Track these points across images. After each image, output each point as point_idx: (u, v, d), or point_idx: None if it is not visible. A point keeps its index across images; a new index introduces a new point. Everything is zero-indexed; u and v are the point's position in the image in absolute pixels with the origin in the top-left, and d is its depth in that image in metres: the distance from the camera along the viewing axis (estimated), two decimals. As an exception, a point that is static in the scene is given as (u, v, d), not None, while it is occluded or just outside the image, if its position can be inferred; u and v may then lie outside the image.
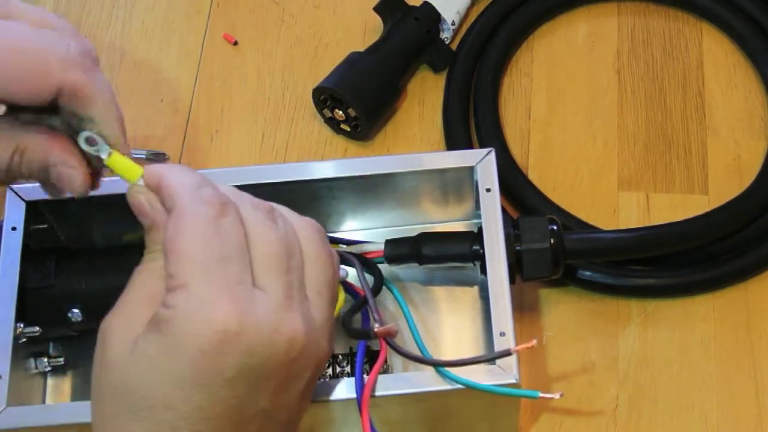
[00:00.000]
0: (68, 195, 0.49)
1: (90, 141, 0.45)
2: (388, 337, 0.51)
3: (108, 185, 0.58)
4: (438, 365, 0.52)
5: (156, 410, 0.41)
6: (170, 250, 0.42)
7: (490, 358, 0.52)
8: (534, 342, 0.49)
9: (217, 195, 0.44)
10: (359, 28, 0.77)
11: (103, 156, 0.46)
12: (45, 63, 0.44)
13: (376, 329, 0.51)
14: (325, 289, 0.46)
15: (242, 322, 0.41)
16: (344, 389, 0.52)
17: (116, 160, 0.46)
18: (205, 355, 0.41)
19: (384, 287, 0.58)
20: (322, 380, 0.54)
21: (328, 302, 0.46)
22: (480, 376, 0.52)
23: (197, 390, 0.41)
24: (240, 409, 0.42)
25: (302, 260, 0.45)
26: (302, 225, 0.47)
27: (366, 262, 0.58)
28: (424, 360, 0.53)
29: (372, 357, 0.58)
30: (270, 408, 0.43)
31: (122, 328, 0.43)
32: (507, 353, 0.51)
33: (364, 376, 0.52)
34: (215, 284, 0.41)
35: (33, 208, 0.58)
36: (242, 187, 0.52)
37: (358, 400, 0.51)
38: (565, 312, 0.66)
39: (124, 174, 0.46)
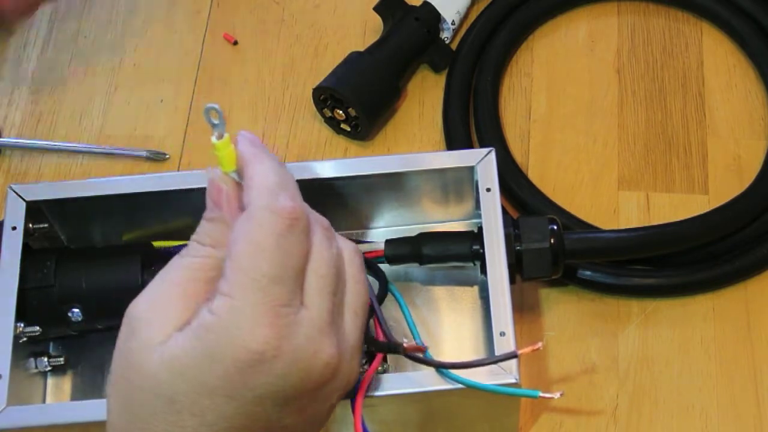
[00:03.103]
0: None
1: (213, 113, 0.43)
2: (417, 353, 0.51)
3: (107, 185, 0.59)
4: (441, 367, 0.52)
5: (182, 415, 0.41)
6: (230, 253, 0.42)
7: (496, 360, 0.51)
8: (540, 345, 0.49)
9: (291, 207, 0.42)
10: (359, 28, 0.77)
11: (217, 133, 0.44)
12: None
13: (405, 345, 0.50)
14: (360, 311, 0.46)
15: (281, 347, 0.41)
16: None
17: (225, 145, 0.44)
18: (240, 371, 0.41)
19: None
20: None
21: (362, 324, 0.46)
22: (480, 375, 0.52)
23: (226, 401, 0.41)
24: (265, 423, 0.42)
25: (345, 281, 0.45)
26: (347, 246, 0.46)
27: (369, 265, 0.58)
28: (426, 362, 0.53)
29: (371, 357, 0.57)
30: (293, 425, 0.43)
31: (153, 323, 0.42)
32: (513, 355, 0.51)
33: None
34: (262, 304, 0.41)
35: (33, 208, 0.58)
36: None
37: (351, 401, 0.51)
38: (565, 312, 0.66)
39: (222, 160, 0.44)
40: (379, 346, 0.52)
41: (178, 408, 0.41)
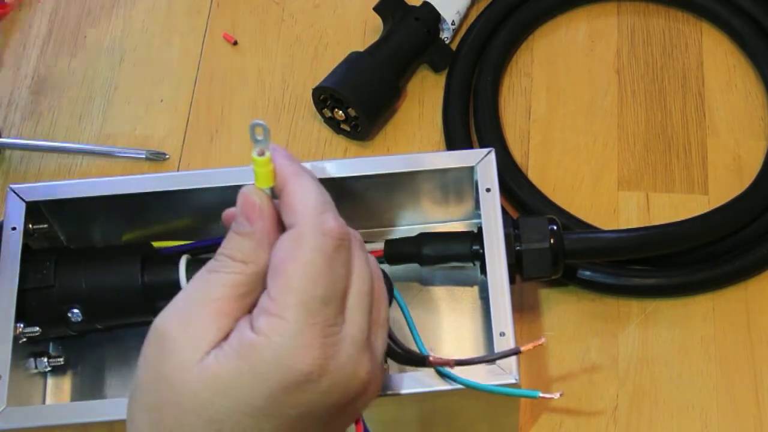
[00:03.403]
0: None
1: (259, 130, 0.43)
2: (445, 367, 0.50)
3: (107, 185, 0.59)
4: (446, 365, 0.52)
5: None
6: (280, 272, 0.42)
7: (499, 356, 0.51)
8: (543, 340, 0.49)
9: (337, 227, 0.43)
10: (359, 28, 0.77)
11: (259, 149, 0.43)
12: None
13: (431, 359, 0.50)
14: (386, 324, 0.46)
15: (327, 366, 0.41)
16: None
17: (266, 162, 0.43)
18: (286, 391, 0.41)
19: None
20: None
21: (386, 337, 0.47)
22: (480, 376, 0.52)
23: (268, 420, 0.41)
24: None
25: (374, 295, 0.45)
26: (372, 259, 0.46)
27: None
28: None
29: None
30: None
31: (189, 342, 0.42)
32: (516, 351, 0.51)
33: None
34: (312, 326, 0.41)
35: (33, 208, 0.58)
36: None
37: None
38: (565, 312, 0.66)
39: (259, 176, 0.44)
40: (399, 358, 0.52)
41: (218, 426, 0.41)
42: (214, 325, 0.42)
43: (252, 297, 0.43)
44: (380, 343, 0.45)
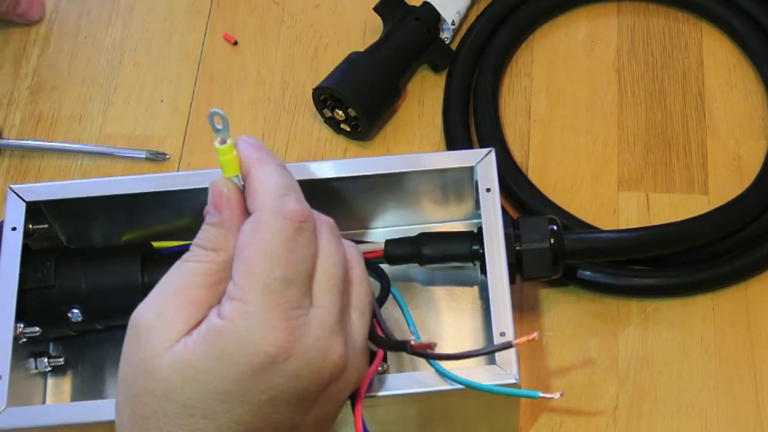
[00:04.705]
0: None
1: (217, 118, 0.43)
2: (427, 351, 0.50)
3: (107, 185, 0.59)
4: (436, 359, 0.52)
5: (195, 419, 0.41)
6: (241, 258, 0.42)
7: (491, 350, 0.51)
8: (535, 335, 0.49)
9: (299, 209, 0.43)
10: (359, 28, 0.77)
11: (220, 138, 0.44)
12: None
13: (413, 343, 0.50)
14: (366, 312, 0.46)
15: (293, 348, 0.41)
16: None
17: (228, 150, 0.44)
18: (254, 375, 0.41)
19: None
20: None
21: (368, 324, 0.47)
22: (480, 376, 0.52)
23: (240, 405, 0.41)
24: (277, 424, 0.43)
25: (350, 281, 0.46)
26: (350, 247, 0.47)
27: (371, 266, 0.57)
28: (424, 355, 0.53)
29: (372, 357, 0.57)
30: (304, 423, 0.44)
31: (161, 330, 0.42)
32: (508, 345, 0.51)
33: None
34: (274, 307, 0.41)
35: (33, 208, 0.58)
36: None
37: (352, 401, 0.51)
38: (565, 312, 0.66)
39: (225, 165, 0.44)
40: (386, 345, 0.52)
41: (191, 412, 0.41)
42: (185, 312, 0.42)
43: (225, 285, 0.43)
44: (359, 329, 0.45)
